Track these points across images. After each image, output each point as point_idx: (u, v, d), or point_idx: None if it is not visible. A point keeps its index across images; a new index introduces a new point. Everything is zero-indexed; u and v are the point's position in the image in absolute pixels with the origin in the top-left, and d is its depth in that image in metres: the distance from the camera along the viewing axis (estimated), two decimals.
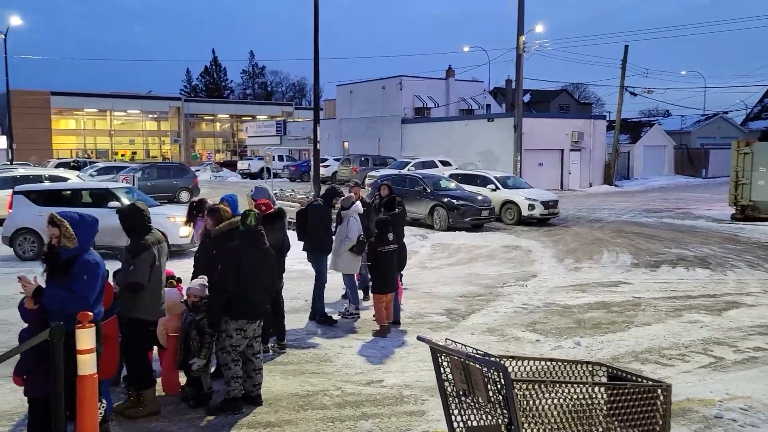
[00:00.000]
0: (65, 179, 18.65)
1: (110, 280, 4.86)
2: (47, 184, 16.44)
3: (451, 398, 3.92)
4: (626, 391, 3.83)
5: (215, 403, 5.53)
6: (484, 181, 20.35)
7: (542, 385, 3.70)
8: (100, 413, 4.16)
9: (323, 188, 11.61)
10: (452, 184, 19.31)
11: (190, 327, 5.57)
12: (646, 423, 3.81)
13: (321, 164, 26.29)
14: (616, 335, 7.91)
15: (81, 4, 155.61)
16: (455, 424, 3.89)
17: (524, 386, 3.64)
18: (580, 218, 20.99)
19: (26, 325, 4.29)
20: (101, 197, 13.56)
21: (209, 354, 5.60)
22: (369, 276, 9.40)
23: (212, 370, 5.87)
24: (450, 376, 3.93)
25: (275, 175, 41.29)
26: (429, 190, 18.38)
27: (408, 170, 26.26)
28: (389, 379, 6.33)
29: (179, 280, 6.28)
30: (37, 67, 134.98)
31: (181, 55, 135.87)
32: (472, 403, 3.79)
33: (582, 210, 23.49)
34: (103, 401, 4.41)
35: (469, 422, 3.84)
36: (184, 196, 24.72)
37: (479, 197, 18.53)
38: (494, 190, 19.80)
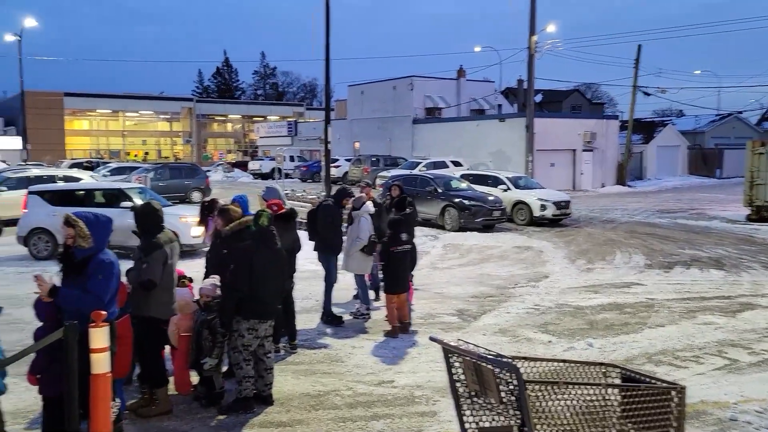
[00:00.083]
0: (78, 179, 18.79)
1: (122, 278, 4.89)
2: (61, 185, 16.57)
3: (462, 399, 3.90)
4: (640, 393, 3.80)
5: (227, 402, 5.55)
6: (495, 182, 20.28)
7: (555, 387, 3.67)
8: (114, 412, 4.18)
9: (334, 188, 11.61)
10: (463, 185, 19.27)
11: (202, 326, 5.59)
12: (660, 425, 3.77)
13: (332, 165, 26.30)
14: (629, 337, 7.85)
15: (94, 6, 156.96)
16: (467, 425, 3.87)
17: (537, 387, 3.62)
18: (592, 219, 20.87)
19: (41, 324, 4.32)
20: (114, 197, 13.66)
21: (221, 353, 5.61)
22: (380, 276, 9.41)
23: (224, 369, 5.89)
24: (462, 377, 3.92)
25: (287, 176, 41.41)
26: (440, 191, 18.34)
27: (419, 170, 26.22)
28: (400, 379, 6.32)
29: (191, 280, 6.30)
30: (50, 69, 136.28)
31: (193, 56, 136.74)
32: (484, 404, 3.78)
33: (594, 210, 23.36)
34: (117, 400, 4.43)
35: (481, 423, 3.82)
36: (196, 196, 24.81)
37: (490, 198, 18.47)
38: (506, 190, 19.73)
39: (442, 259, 13.54)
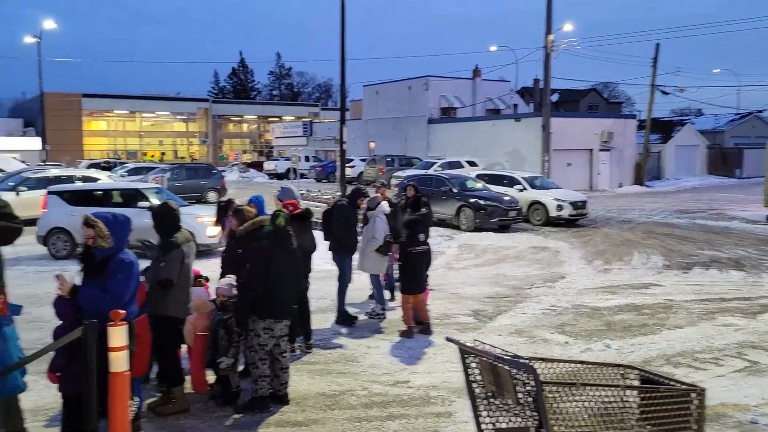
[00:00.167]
0: (96, 179, 18.99)
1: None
2: (79, 185, 16.76)
3: (479, 400, 3.88)
4: (659, 395, 3.76)
5: (243, 401, 5.57)
6: (511, 182, 20.18)
7: (573, 388, 3.64)
8: (133, 411, 4.21)
9: (349, 188, 11.62)
10: (479, 185, 19.20)
11: (219, 326, 5.62)
12: (679, 428, 3.73)
13: (347, 165, 26.33)
14: (647, 338, 7.77)
15: (112, 8, 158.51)
16: (483, 426, 3.85)
17: (554, 388, 3.59)
18: (609, 219, 20.70)
19: (60, 322, 4.37)
20: (131, 197, 13.78)
21: (237, 353, 5.64)
22: (395, 276, 9.40)
23: (240, 368, 5.91)
24: (478, 378, 3.90)
25: (302, 176, 41.53)
26: (455, 191, 18.29)
27: (434, 171, 26.17)
28: (416, 379, 6.31)
29: (207, 279, 6.34)
30: (69, 70, 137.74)
31: (209, 57, 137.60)
32: (501, 405, 3.75)
33: (612, 211, 23.16)
34: (136, 398, 4.47)
35: (497, 424, 3.80)
36: (212, 196, 24.96)
37: (506, 198, 18.39)
38: (522, 190, 19.62)
39: (458, 260, 13.49)
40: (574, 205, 19.01)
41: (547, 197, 19.18)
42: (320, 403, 5.68)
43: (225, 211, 6.95)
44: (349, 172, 28.93)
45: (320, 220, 9.00)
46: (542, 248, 14.92)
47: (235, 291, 5.70)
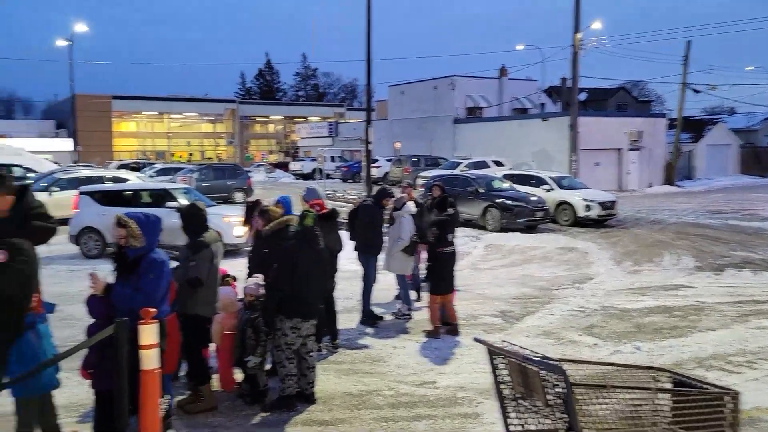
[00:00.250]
0: (125, 180, 19.29)
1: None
2: (110, 185, 17.04)
3: (507, 401, 3.85)
4: (692, 398, 3.69)
5: (270, 400, 5.60)
6: (538, 182, 19.99)
7: (603, 390, 3.59)
8: (164, 408, 4.27)
9: (375, 189, 11.62)
10: (505, 185, 19.07)
11: (246, 325, 5.66)
12: None
13: (372, 165, 26.34)
14: (678, 340, 7.63)
15: (141, 11, 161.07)
16: (512, 428, 3.81)
17: (584, 391, 3.54)
18: (639, 219, 20.38)
19: (93, 320, 4.44)
20: (160, 197, 13.97)
21: (265, 352, 5.67)
22: (421, 276, 9.37)
23: (268, 367, 5.94)
24: (506, 379, 3.87)
25: (328, 176, 41.69)
26: (482, 191, 18.18)
27: (460, 171, 26.05)
28: (443, 380, 6.28)
29: (234, 279, 6.39)
30: (99, 72, 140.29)
31: (236, 58, 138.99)
32: (530, 407, 3.71)
33: (641, 211, 22.79)
34: (167, 396, 4.53)
35: (526, 426, 3.76)
36: (238, 196, 25.17)
37: (533, 198, 18.23)
38: (549, 190, 19.43)
39: (484, 260, 13.41)
40: (603, 205, 18.77)
41: (575, 197, 18.96)
42: (347, 403, 5.68)
43: (253, 211, 7.01)
44: (374, 172, 28.89)
45: (346, 220, 9.02)
46: (570, 249, 14.75)
47: (262, 290, 5.73)
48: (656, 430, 3.65)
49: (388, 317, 8.62)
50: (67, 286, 9.96)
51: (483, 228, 17.60)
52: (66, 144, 51.45)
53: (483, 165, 28.46)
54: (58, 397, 4.65)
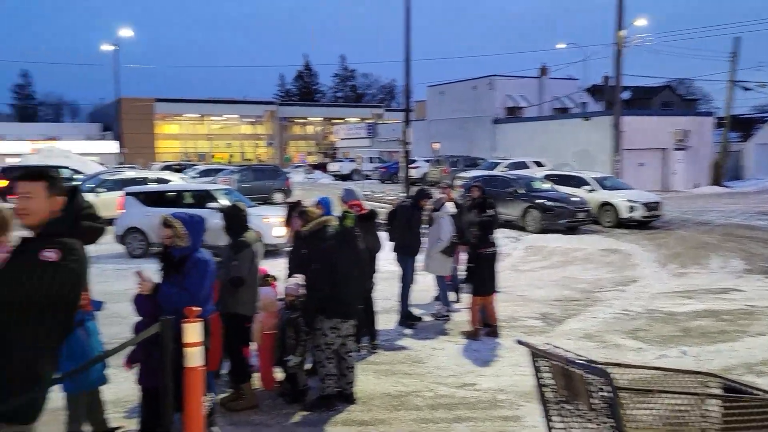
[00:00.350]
0: (168, 181, 19.69)
1: None
2: (154, 186, 17.42)
3: (550, 404, 3.78)
4: (743, 404, 3.57)
5: (310, 399, 5.64)
6: (579, 182, 19.65)
7: (650, 395, 3.50)
8: (208, 405, 4.34)
9: (413, 189, 11.59)
10: (546, 185, 18.81)
11: (287, 325, 5.70)
12: None
13: (411, 165, 26.29)
14: (726, 345, 7.40)
15: (184, 15, 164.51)
16: None
17: (630, 395, 3.46)
18: (685, 221, 19.84)
19: (140, 318, 4.55)
20: (202, 198, 14.21)
21: (305, 351, 5.71)
22: (459, 278, 9.30)
23: (308, 367, 5.98)
24: (549, 382, 3.81)
25: (366, 177, 41.81)
26: (521, 192, 17.98)
27: (499, 171, 25.82)
28: (483, 382, 6.22)
29: (274, 279, 6.45)
30: (142, 76, 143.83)
31: (275, 60, 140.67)
32: (573, 411, 3.65)
33: (687, 212, 22.19)
34: (211, 393, 4.60)
35: (570, 430, 3.69)
36: (278, 197, 25.41)
37: (575, 198, 17.94)
38: (591, 191, 19.09)
39: (524, 262, 13.25)
40: (647, 206, 18.35)
41: (618, 198, 18.58)
42: (386, 404, 5.68)
43: (293, 212, 7.07)
44: (412, 173, 28.84)
45: (385, 221, 9.02)
46: (613, 251, 14.46)
47: (302, 290, 5.77)
48: None
49: (426, 318, 8.59)
50: (113, 284, 10.20)
51: (523, 229, 17.39)
52: (111, 146, 52.83)
53: (522, 165, 28.14)
54: (106, 392, 4.78)
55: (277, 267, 8.16)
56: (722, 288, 10.53)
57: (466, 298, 9.07)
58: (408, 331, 8.08)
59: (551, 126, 35.20)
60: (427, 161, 37.18)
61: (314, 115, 74.73)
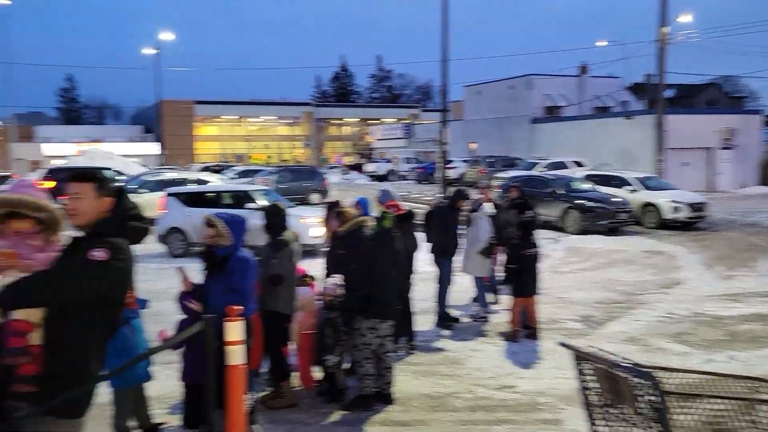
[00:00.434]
0: (206, 182, 20.00)
1: None
2: (194, 187, 17.71)
3: (594, 408, 3.71)
4: None
5: (349, 398, 5.65)
6: (621, 183, 19.27)
7: (698, 400, 3.41)
8: (249, 403, 4.39)
9: (450, 190, 11.54)
10: (586, 185, 18.50)
11: (325, 325, 5.73)
12: None
13: (447, 166, 26.16)
14: None
15: (222, 18, 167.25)
16: None
17: (677, 400, 3.37)
18: (731, 222, 19.26)
19: (184, 316, 4.64)
20: (240, 199, 14.39)
21: (343, 351, 5.72)
22: (497, 279, 9.21)
23: (346, 367, 6.00)
24: (592, 385, 3.73)
25: (402, 177, 41.79)
26: (561, 192, 17.71)
27: (538, 171, 25.51)
28: (523, 384, 6.14)
29: (313, 279, 6.49)
30: (181, 78, 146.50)
31: (312, 62, 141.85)
32: (618, 415, 3.57)
33: (734, 213, 21.53)
34: (253, 392, 4.66)
35: None
36: (315, 198, 25.58)
37: (616, 199, 17.59)
38: (633, 191, 18.69)
39: (564, 263, 13.05)
40: (692, 206, 17.88)
41: (661, 198, 18.15)
42: (425, 404, 5.65)
43: (331, 212, 7.10)
44: (449, 173, 28.70)
45: (422, 222, 8.99)
46: (656, 252, 14.12)
47: (340, 291, 5.79)
48: None
49: (464, 319, 8.53)
50: (156, 283, 10.40)
51: (562, 230, 17.12)
52: (153, 148, 53.98)
53: (562, 165, 27.73)
54: (150, 389, 4.87)
55: (314, 267, 8.21)
56: None
57: (504, 299, 8.99)
58: (446, 332, 8.04)
59: (591, 125, 34.61)
60: (464, 161, 36.94)
61: (350, 116, 75.07)
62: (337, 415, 5.42)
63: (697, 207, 17.99)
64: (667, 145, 25.88)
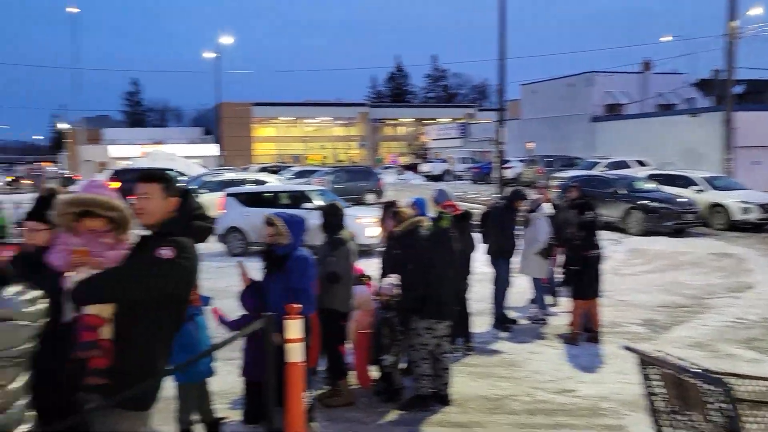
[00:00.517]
0: (264, 182, 20.35)
1: None
2: (252, 187, 18.05)
3: (661, 414, 3.59)
4: None
5: (405, 398, 5.64)
6: (687, 182, 18.58)
7: None
8: (308, 401, 4.44)
9: (507, 190, 11.37)
10: (648, 185, 17.93)
11: (381, 324, 5.73)
12: None
13: (504, 166, 25.84)
14: None
15: (279, 22, 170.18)
16: None
17: (750, 407, 3.23)
18: None
19: (245, 312, 4.75)
20: (297, 199, 14.59)
21: (400, 351, 5.72)
22: (556, 280, 9.03)
23: (403, 366, 5.99)
24: (658, 391, 3.61)
25: (458, 178, 41.50)
26: (622, 192, 17.22)
27: (598, 171, 24.88)
28: (584, 389, 6.00)
29: (369, 278, 6.51)
30: (240, 80, 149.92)
31: (367, 63, 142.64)
32: (687, 422, 3.44)
33: None
34: (311, 390, 4.71)
35: None
36: (370, 198, 25.67)
37: (681, 199, 16.97)
38: (700, 191, 17.99)
39: (626, 265, 12.67)
40: (763, 207, 17.06)
41: (730, 199, 17.41)
42: (482, 406, 5.59)
43: (387, 212, 7.10)
44: (506, 173, 28.34)
45: (479, 222, 8.89)
46: (724, 255, 13.55)
47: (396, 290, 5.78)
48: None
49: (522, 321, 8.39)
50: (216, 281, 10.65)
51: (624, 231, 16.64)
52: (212, 149, 55.40)
53: (623, 165, 26.95)
54: (212, 384, 4.98)
55: (370, 267, 8.24)
56: None
57: (563, 301, 8.81)
58: (503, 333, 7.93)
59: (655, 123, 33.51)
60: (521, 161, 36.38)
61: (406, 116, 75.09)
62: (394, 415, 5.42)
63: None
64: (735, 144, 24.79)
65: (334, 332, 5.57)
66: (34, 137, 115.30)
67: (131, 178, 3.13)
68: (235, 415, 5.16)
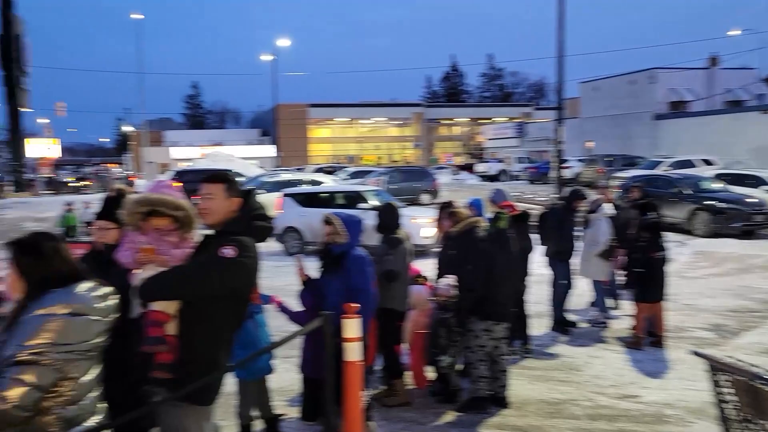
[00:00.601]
0: (320, 183, 20.57)
1: None
2: (308, 188, 18.29)
3: (732, 423, 3.44)
4: None
5: (462, 400, 5.59)
6: (758, 182, 17.80)
7: None
8: (366, 400, 4.46)
9: (565, 190, 11.14)
10: (716, 185, 17.23)
11: (438, 325, 5.70)
12: None
13: (562, 165, 25.32)
14: None
15: (335, 23, 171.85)
16: None
17: None
18: None
19: (302, 309, 4.82)
20: (353, 199, 14.69)
21: (457, 352, 5.67)
22: (618, 283, 8.78)
23: (460, 368, 5.94)
24: (729, 398, 3.46)
25: (514, 178, 40.94)
26: (687, 192, 16.62)
27: (662, 171, 24.09)
28: (647, 395, 5.81)
29: (426, 279, 6.48)
30: (295, 82, 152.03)
31: (422, 63, 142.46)
32: (760, 431, 3.28)
33: None
34: (369, 389, 4.74)
35: None
36: (425, 198, 25.60)
37: (751, 200, 16.23)
38: None
39: (692, 268, 12.22)
40: None
41: None
42: (541, 410, 5.49)
43: (443, 212, 7.06)
44: (565, 173, 27.73)
45: (536, 224, 8.73)
46: None
47: (453, 291, 5.74)
48: None
49: (582, 324, 8.20)
50: (274, 280, 10.84)
51: (689, 233, 16.04)
52: (269, 150, 56.44)
53: (689, 164, 26.00)
54: (271, 381, 5.07)
55: (425, 267, 8.22)
56: None
57: (624, 304, 8.56)
58: (562, 337, 7.77)
59: (722, 121, 32.26)
60: (580, 161, 35.58)
61: (461, 115, 74.62)
62: (450, 416, 5.39)
63: None
64: None
65: (390, 331, 5.58)
66: (100, 139, 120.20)
67: (192, 179, 3.22)
68: (294, 412, 5.23)
